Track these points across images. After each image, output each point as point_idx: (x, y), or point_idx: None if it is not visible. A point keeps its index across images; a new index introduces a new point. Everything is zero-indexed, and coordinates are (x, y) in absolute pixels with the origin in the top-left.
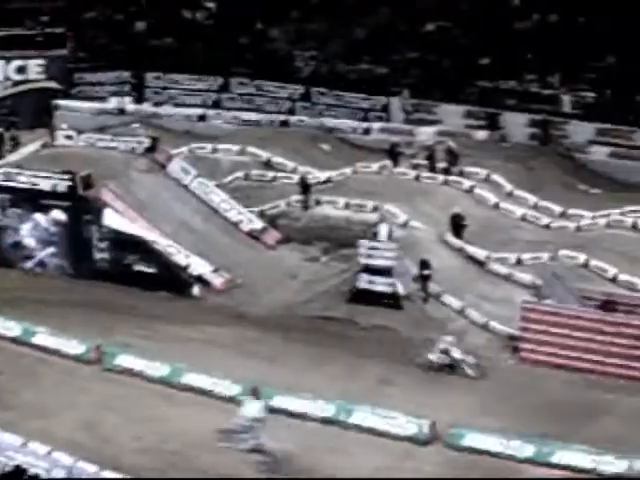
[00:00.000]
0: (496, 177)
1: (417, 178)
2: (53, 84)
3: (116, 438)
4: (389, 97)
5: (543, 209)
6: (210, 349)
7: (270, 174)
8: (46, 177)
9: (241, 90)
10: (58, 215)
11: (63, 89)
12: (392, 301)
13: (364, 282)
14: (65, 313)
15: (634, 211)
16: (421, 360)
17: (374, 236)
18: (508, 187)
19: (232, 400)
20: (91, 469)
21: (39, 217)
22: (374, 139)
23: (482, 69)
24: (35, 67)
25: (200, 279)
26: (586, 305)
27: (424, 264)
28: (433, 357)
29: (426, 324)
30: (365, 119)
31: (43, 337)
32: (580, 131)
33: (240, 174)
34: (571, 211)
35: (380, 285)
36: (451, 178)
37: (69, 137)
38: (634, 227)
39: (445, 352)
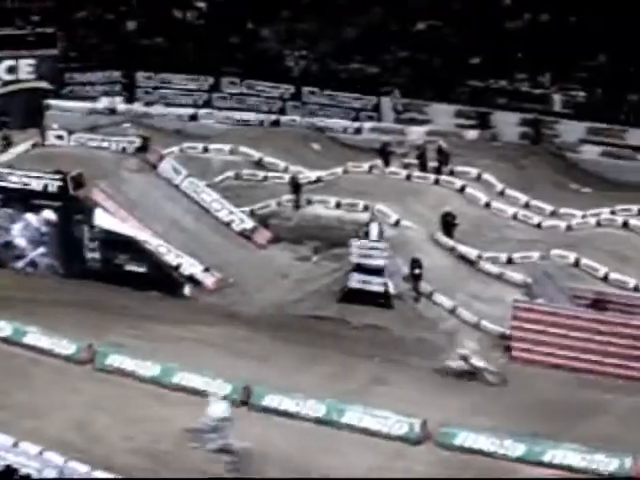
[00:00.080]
0: (487, 176)
1: (408, 177)
2: (44, 84)
3: (108, 438)
4: (380, 96)
5: (534, 208)
6: (201, 349)
7: (261, 174)
8: (37, 177)
9: (232, 90)
10: (49, 215)
11: (54, 89)
12: (383, 300)
13: (355, 281)
14: (56, 313)
15: (625, 210)
16: (439, 366)
17: (365, 235)
18: (499, 186)
19: (225, 400)
20: (82, 469)
21: (30, 217)
22: (365, 138)
23: (473, 68)
24: (25, 67)
25: (191, 279)
26: (577, 304)
27: (415, 263)
28: (452, 364)
29: (417, 323)
30: (356, 118)
31: (34, 337)
32: (571, 130)
33: (231, 174)
34: (562, 210)
35: (371, 284)
36: (442, 177)
37: (60, 137)
38: (625, 226)
39: (464, 359)
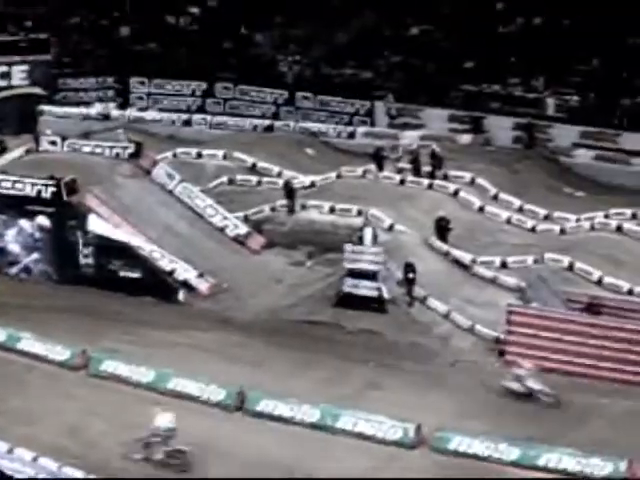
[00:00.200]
0: (481, 181)
1: (402, 182)
2: (37, 90)
3: (102, 444)
4: (373, 101)
5: (528, 212)
6: (196, 354)
7: (255, 179)
8: (31, 183)
9: (225, 95)
10: (43, 221)
11: (47, 95)
12: (377, 305)
13: (349, 286)
14: (50, 319)
15: (618, 214)
16: (497, 386)
17: (359, 240)
18: (493, 190)
19: (218, 405)
20: (77, 475)
21: (24, 223)
22: (359, 143)
23: (466, 73)
24: (19, 73)
25: (185, 284)
26: (571, 308)
27: (409, 268)
28: (508, 384)
29: (411, 328)
30: (350, 123)
31: (28, 343)
32: (564, 134)
33: (225, 179)
34: (556, 214)
35: (365, 289)
36: (436, 182)
37: (53, 143)
38: (619, 230)
39: (519, 380)
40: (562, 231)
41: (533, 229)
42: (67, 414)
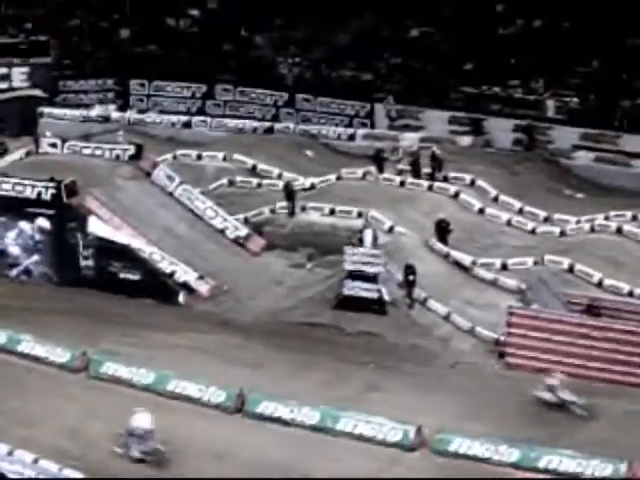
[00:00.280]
0: (481, 182)
1: (402, 184)
2: (37, 92)
3: (102, 446)
4: (374, 103)
5: (528, 214)
6: (196, 356)
7: (255, 181)
8: (31, 185)
9: (225, 97)
10: (43, 223)
11: (47, 97)
12: (377, 307)
13: (349, 288)
14: (50, 321)
15: (619, 216)
16: (529, 397)
17: (359, 242)
18: (493, 192)
19: (218, 407)
20: (77, 476)
21: (24, 225)
22: (359, 145)
23: (466, 75)
24: (19, 75)
25: (185, 286)
26: (571, 310)
27: (409, 270)
28: (540, 394)
29: (412, 330)
30: (350, 125)
31: (28, 345)
32: (564, 136)
33: (225, 181)
34: (556, 216)
35: (365, 291)
36: (436, 184)
37: (53, 145)
38: (619, 232)
39: (552, 390)
40: (562, 233)
41: (533, 231)
42: (67, 416)
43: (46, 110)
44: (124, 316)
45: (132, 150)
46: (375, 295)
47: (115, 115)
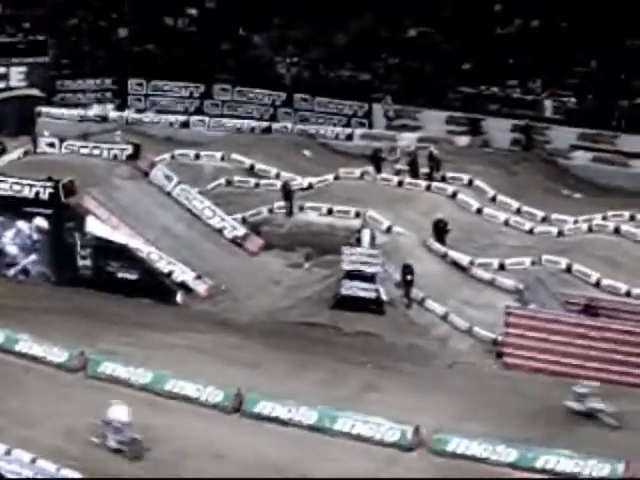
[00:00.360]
0: (479, 182)
1: (400, 184)
2: (35, 91)
3: (100, 446)
4: (371, 103)
5: (526, 214)
6: (194, 356)
7: (253, 181)
8: (29, 184)
9: (223, 97)
10: (41, 222)
11: (45, 96)
12: (375, 307)
13: (347, 288)
14: (48, 320)
15: (616, 216)
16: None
17: (357, 242)
18: (491, 192)
19: (216, 407)
20: (75, 476)
21: (22, 224)
22: (356, 145)
23: (464, 75)
24: (17, 74)
25: (183, 286)
26: (569, 310)
27: (407, 269)
28: (569, 404)
29: (409, 330)
30: (347, 125)
31: (26, 345)
32: (562, 136)
33: (223, 181)
34: (554, 216)
35: (363, 291)
36: (434, 184)
37: (51, 144)
38: (616, 232)
39: (581, 399)
40: (560, 233)
41: (531, 231)
42: (65, 416)
43: (44, 110)
44: (122, 316)
45: (130, 150)
46: (373, 295)
47: (113, 115)
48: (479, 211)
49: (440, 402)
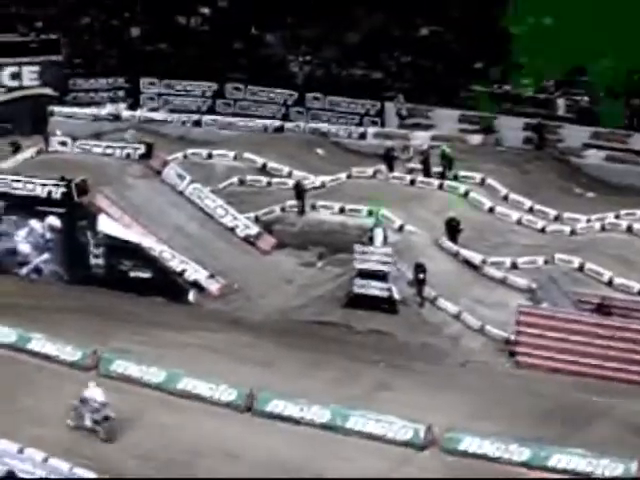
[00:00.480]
0: (491, 181)
1: (412, 182)
2: (48, 90)
3: (113, 445)
4: (384, 102)
5: (538, 213)
6: (206, 355)
7: (265, 179)
8: (41, 183)
9: (236, 96)
10: (53, 221)
11: (58, 95)
12: (388, 305)
13: (360, 287)
14: (61, 319)
15: (629, 214)
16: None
17: (369, 241)
18: (503, 191)
19: (228, 405)
20: (88, 476)
21: (34, 223)
22: (369, 144)
23: (476, 73)
24: (29, 73)
25: (196, 285)
26: (582, 309)
27: (419, 268)
28: None
29: (422, 328)
30: (360, 124)
31: (39, 343)
32: (575, 135)
33: (235, 179)
34: (566, 215)
35: (376, 290)
36: (446, 182)
37: (63, 143)
38: (629, 230)
39: None
40: (572, 232)
41: (543, 230)
42: None
43: (56, 109)
44: (134, 314)
45: (142, 149)
46: (385, 294)
47: (125, 114)
48: (491, 210)
49: (453, 401)
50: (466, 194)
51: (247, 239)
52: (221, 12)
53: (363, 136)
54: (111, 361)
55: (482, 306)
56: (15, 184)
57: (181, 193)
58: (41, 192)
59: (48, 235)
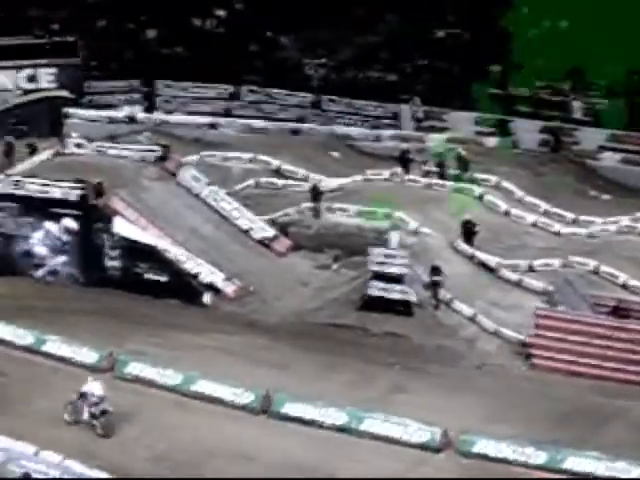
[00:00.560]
0: (507, 184)
1: (428, 185)
2: (64, 93)
3: (128, 447)
4: (400, 104)
5: (554, 215)
6: (222, 357)
7: (281, 182)
8: (57, 186)
9: (251, 98)
10: (69, 223)
11: (74, 98)
12: (403, 308)
13: (375, 289)
14: (77, 321)
15: None
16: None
17: (385, 243)
18: (519, 194)
19: (244, 408)
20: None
21: (50, 225)
22: (385, 146)
23: (492, 76)
24: (46, 76)
25: (211, 287)
26: (598, 311)
27: (435, 270)
28: None
29: (437, 331)
30: (376, 126)
31: (55, 345)
32: (591, 137)
33: (251, 182)
34: (582, 217)
35: (391, 292)
36: (461, 185)
37: (80, 145)
38: None
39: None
40: (588, 234)
41: (559, 232)
42: None
43: (72, 111)
44: (150, 317)
45: (158, 151)
46: (401, 296)
47: (141, 116)
48: (507, 212)
49: (468, 403)
50: (481, 197)
51: (263, 241)
52: (237, 14)
53: (379, 138)
54: (127, 363)
55: (498, 309)
56: (31, 186)
57: (197, 195)
58: (57, 194)
59: (64, 237)
